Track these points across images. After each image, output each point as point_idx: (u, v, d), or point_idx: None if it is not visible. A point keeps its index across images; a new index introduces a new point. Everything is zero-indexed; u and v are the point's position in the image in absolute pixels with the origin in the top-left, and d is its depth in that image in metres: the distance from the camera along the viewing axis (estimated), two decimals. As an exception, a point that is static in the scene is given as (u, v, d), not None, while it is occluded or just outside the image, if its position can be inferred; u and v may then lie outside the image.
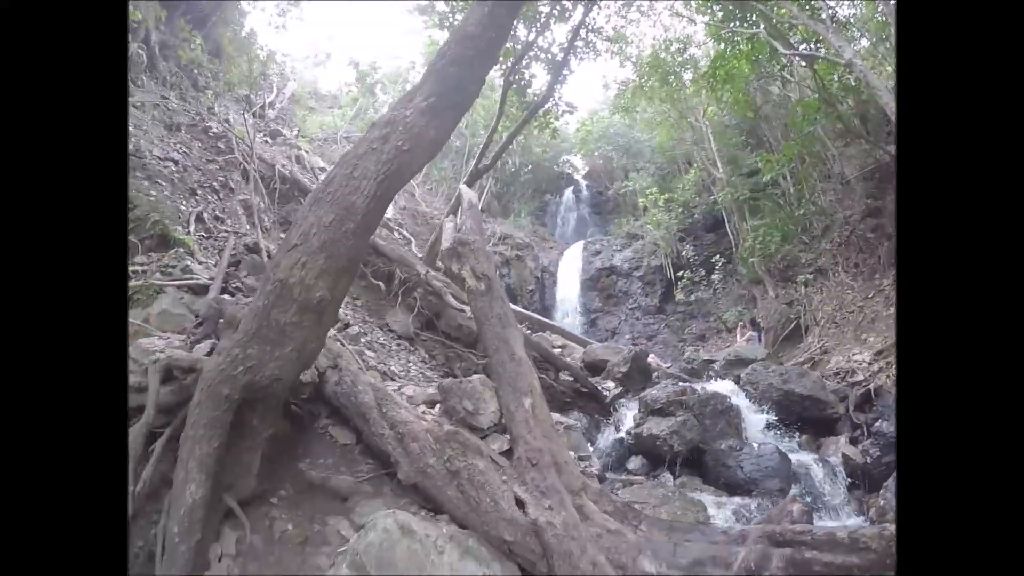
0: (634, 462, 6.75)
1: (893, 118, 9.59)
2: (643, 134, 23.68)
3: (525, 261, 20.88)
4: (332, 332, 5.58)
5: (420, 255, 10.24)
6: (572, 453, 5.06)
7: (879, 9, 11.66)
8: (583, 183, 29.43)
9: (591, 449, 6.89)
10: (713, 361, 10.88)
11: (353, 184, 3.87)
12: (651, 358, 10.80)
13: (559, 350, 10.37)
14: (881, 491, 5.92)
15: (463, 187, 6.77)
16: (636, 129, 24.12)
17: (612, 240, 22.15)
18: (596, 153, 27.53)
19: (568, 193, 28.71)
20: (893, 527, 3.72)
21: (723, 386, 8.27)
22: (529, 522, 3.50)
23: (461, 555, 3.49)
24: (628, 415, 7.63)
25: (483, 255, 5.14)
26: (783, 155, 14.22)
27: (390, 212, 13.65)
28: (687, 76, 17.74)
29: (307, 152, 13.56)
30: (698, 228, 19.71)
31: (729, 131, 18.54)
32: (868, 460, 6.69)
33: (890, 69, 13.41)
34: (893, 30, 11.10)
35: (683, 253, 18.84)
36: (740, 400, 7.76)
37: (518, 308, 13.94)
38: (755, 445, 6.71)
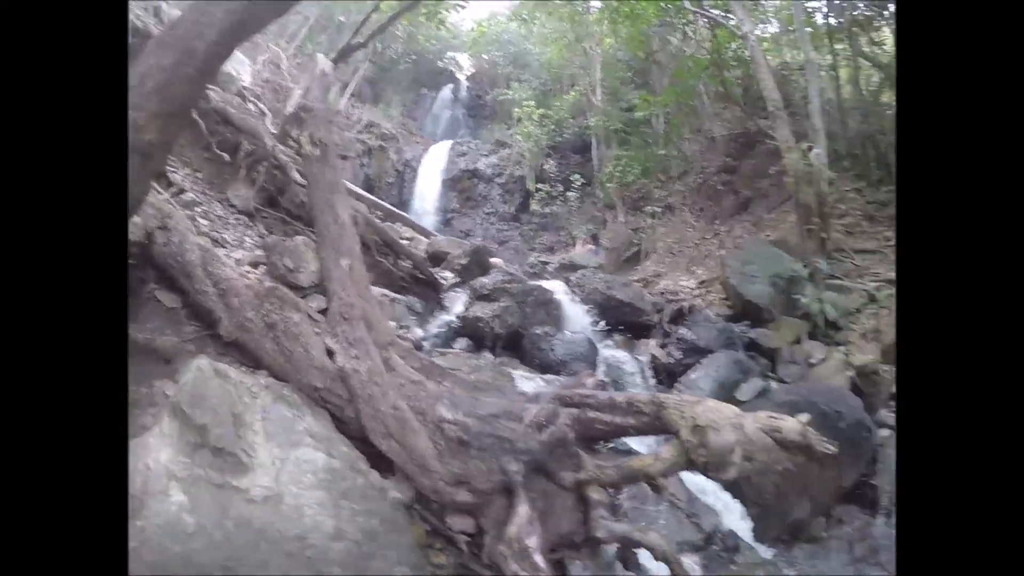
0: (460, 343, 7.32)
1: (770, 95, 10.59)
2: (536, 47, 23.62)
3: (388, 153, 20.55)
4: (165, 195, 5.40)
5: (273, 130, 9.83)
6: (393, 323, 5.39)
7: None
8: (464, 84, 28.86)
9: (420, 332, 7.34)
10: (549, 263, 11.70)
11: (197, 29, 3.75)
12: (498, 262, 11.33)
13: (407, 241, 10.58)
14: (675, 385, 7.17)
15: (319, 56, 6.55)
16: (530, 41, 24.01)
17: (480, 145, 22.26)
18: (485, 56, 27.04)
19: (447, 91, 28.06)
20: (664, 395, 4.49)
21: (552, 284, 9.07)
22: (336, 369, 3.83)
23: (274, 399, 3.72)
24: (459, 301, 8.15)
25: (324, 123, 5.14)
26: (662, 99, 15.10)
27: (247, 80, 12.77)
28: (594, 2, 17.90)
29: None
30: (566, 147, 20.35)
31: (619, 65, 19.00)
32: (672, 360, 7.89)
33: (788, 58, 14.48)
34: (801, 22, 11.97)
35: (546, 168, 19.43)
36: (564, 297, 8.55)
37: (373, 197, 13.89)
38: (568, 333, 7.50)
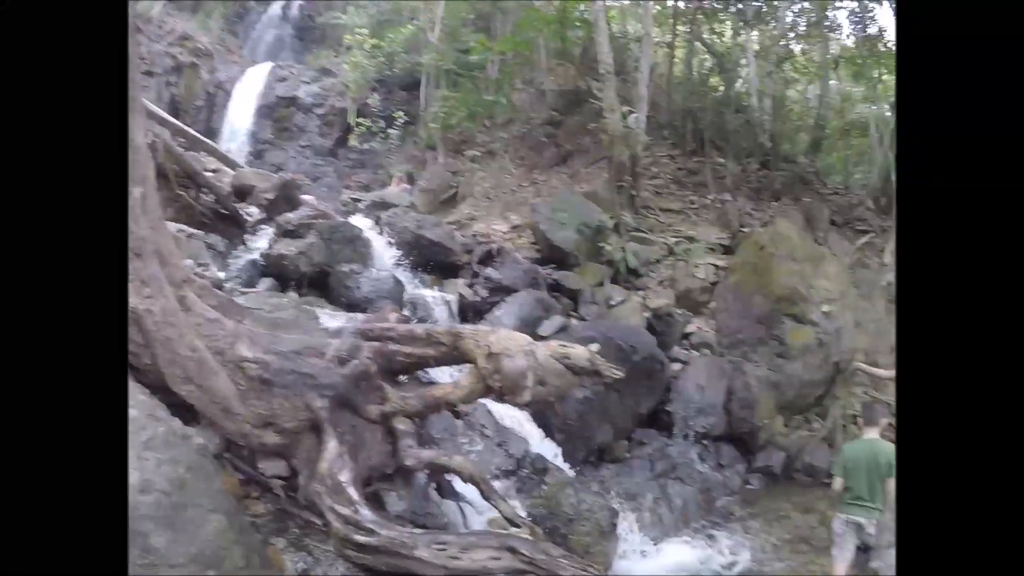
0: (264, 283, 6.95)
1: (604, 59, 10.93)
2: (381, -29, 22.05)
3: (200, 72, 18.35)
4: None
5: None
6: (191, 260, 4.98)
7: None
8: (298, 1, 26.44)
9: (222, 274, 6.88)
10: (362, 201, 11.43)
11: None
12: (310, 198, 10.81)
13: (211, 173, 9.71)
14: (480, 321, 7.43)
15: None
16: (376, -37, 22.34)
17: (303, 70, 20.58)
18: (325, -29, 24.82)
19: (276, 7, 25.37)
20: (461, 326, 4.62)
21: (361, 221, 8.90)
22: (129, 310, 3.49)
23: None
24: (264, 239, 7.72)
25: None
26: (500, 45, 15.07)
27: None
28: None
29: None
30: (394, 82, 19.48)
31: (463, 6, 18.43)
32: (478, 299, 8.25)
33: (631, 29, 14.94)
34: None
35: (370, 102, 18.59)
36: (372, 235, 8.44)
37: (176, 122, 12.57)
38: (375, 271, 7.44)
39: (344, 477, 3.63)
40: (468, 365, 4.22)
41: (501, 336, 4.04)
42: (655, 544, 5.97)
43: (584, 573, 3.62)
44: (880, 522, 5.18)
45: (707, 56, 17.59)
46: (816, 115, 17.70)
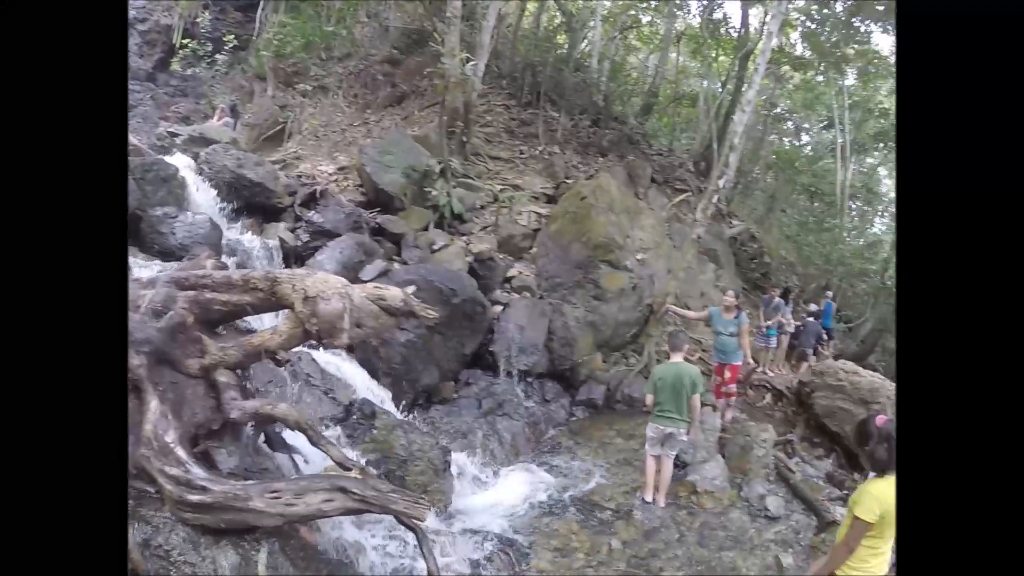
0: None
1: (452, 2, 10.52)
2: None
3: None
4: None
5: None
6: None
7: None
8: None
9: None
10: (178, 135, 10.53)
11: None
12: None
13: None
14: (302, 267, 7.27)
15: None
16: None
17: (125, -18, 18.24)
18: None
19: None
20: (277, 271, 4.45)
21: (177, 159, 8.19)
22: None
23: None
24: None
25: None
26: None
27: None
28: None
29: None
30: (228, 0, 17.79)
31: None
32: (300, 244, 8.08)
33: None
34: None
35: (199, 21, 16.81)
36: (189, 174, 7.82)
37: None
38: (190, 214, 6.95)
39: (170, 437, 3.44)
40: (286, 310, 4.14)
41: (317, 279, 3.99)
42: (495, 475, 6.29)
43: (415, 504, 3.72)
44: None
45: (557, 14, 17.89)
46: (651, 83, 18.68)
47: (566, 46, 16.73)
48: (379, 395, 6.37)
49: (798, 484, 6.59)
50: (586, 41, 17.12)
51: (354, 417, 5.44)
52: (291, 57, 14.61)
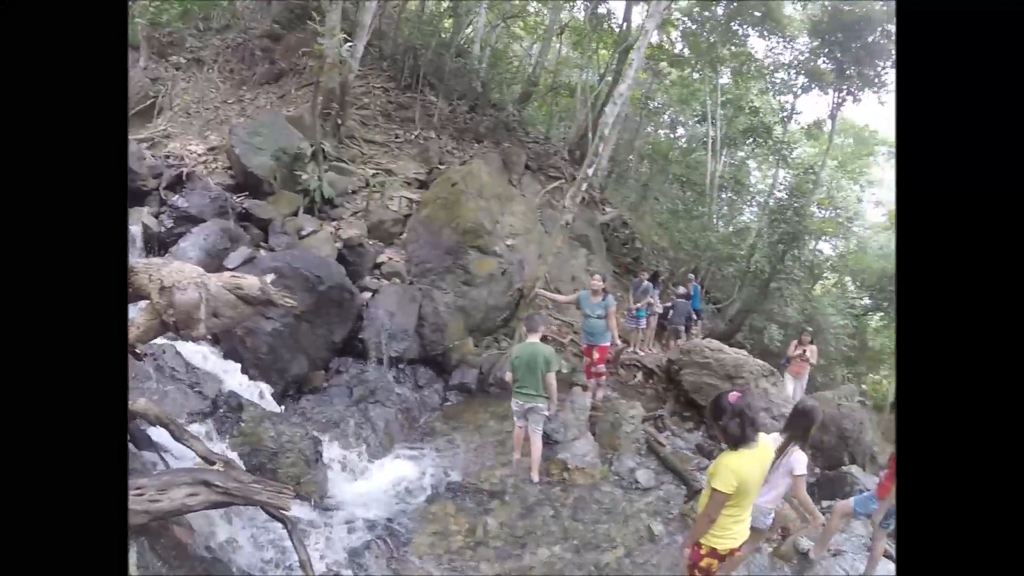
0: None
1: None
2: None
3: None
4: None
5: None
6: None
7: None
8: None
9: None
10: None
11: None
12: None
13: None
14: (165, 254, 7.04)
15: None
16: None
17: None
18: None
19: None
20: (133, 260, 4.19)
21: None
22: None
23: None
24: None
25: None
26: None
27: None
28: None
29: None
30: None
31: None
32: (163, 230, 7.77)
33: None
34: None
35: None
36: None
37: None
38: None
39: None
40: (144, 301, 4.01)
41: (173, 269, 3.90)
42: (368, 465, 6.17)
43: (278, 493, 3.69)
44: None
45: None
46: (531, 72, 18.92)
47: (449, 31, 16.62)
48: (252, 388, 6.15)
49: (668, 456, 6.92)
50: (471, 27, 17.07)
51: (221, 411, 5.24)
52: (167, 26, 13.63)
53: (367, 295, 8.08)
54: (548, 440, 6.63)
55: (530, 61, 20.95)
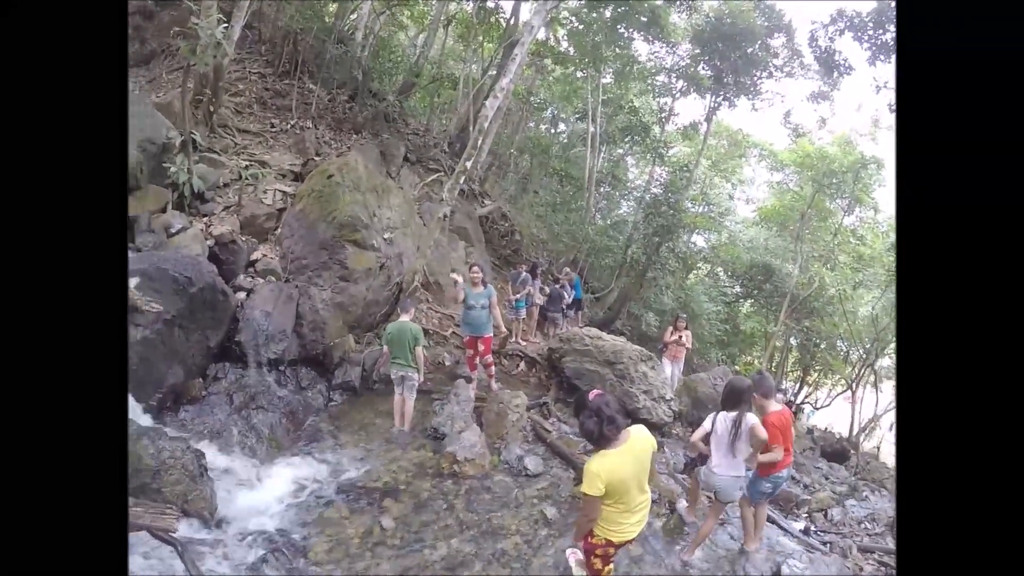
0: None
1: None
2: None
3: None
4: None
5: None
6: None
7: None
8: None
9: None
10: None
11: None
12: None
13: None
14: None
15: None
16: None
17: None
18: None
19: None
20: None
21: None
22: None
23: None
24: None
25: None
26: None
27: None
28: None
29: None
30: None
31: None
32: None
33: None
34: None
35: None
36: None
37: None
38: None
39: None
40: None
41: None
42: (256, 475, 5.97)
43: (161, 515, 3.67)
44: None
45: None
46: (415, 62, 18.67)
47: (333, 16, 16.07)
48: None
49: (555, 442, 7.17)
50: (355, 13, 16.57)
51: None
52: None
53: (241, 295, 7.72)
54: (436, 434, 6.82)
55: (414, 51, 20.65)
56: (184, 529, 4.49)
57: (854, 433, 20.19)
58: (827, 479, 8.69)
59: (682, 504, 6.17)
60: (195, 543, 4.51)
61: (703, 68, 19.65)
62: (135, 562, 4.05)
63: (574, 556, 3.75)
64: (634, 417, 8.22)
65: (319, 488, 5.92)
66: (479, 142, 10.55)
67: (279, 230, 9.30)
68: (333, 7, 16.31)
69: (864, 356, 21.56)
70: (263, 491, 5.76)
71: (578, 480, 6.24)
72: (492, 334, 8.11)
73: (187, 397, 6.67)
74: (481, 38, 19.20)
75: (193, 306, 6.58)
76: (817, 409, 26.71)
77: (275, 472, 6.11)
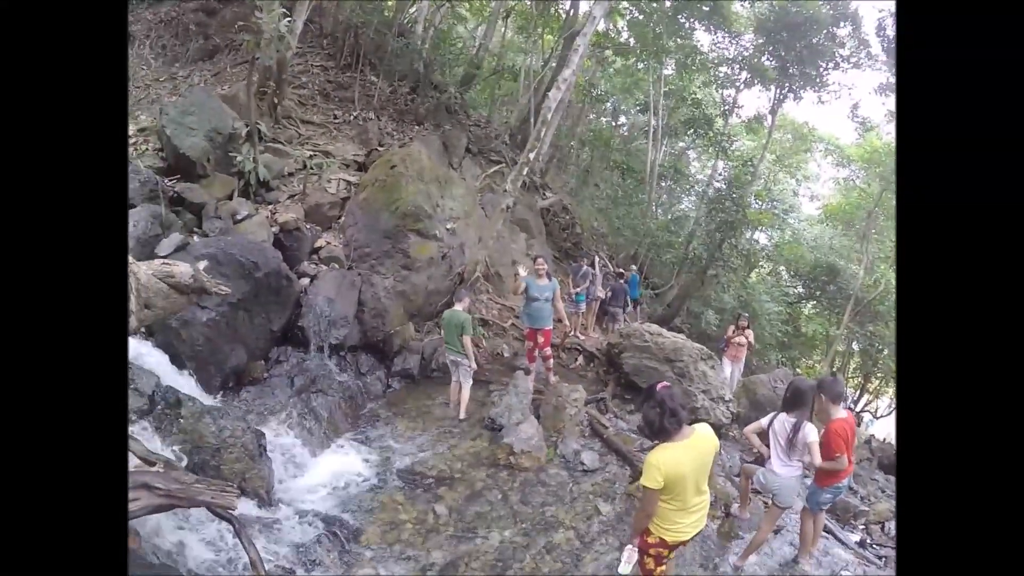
0: None
1: None
2: None
3: None
4: None
5: None
6: None
7: None
8: None
9: None
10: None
11: None
12: None
13: None
14: None
15: None
16: None
17: None
18: None
19: None
20: None
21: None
22: None
23: None
24: None
25: None
26: None
27: None
28: None
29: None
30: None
31: None
32: None
33: None
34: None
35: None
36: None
37: None
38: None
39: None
40: None
41: None
42: (313, 457, 6.05)
43: (222, 492, 3.58)
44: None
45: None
46: (475, 54, 18.71)
47: (393, 9, 16.21)
48: (182, 381, 5.86)
49: (611, 438, 7.02)
50: (414, 7, 16.72)
51: (159, 407, 4.95)
52: (94, -1, 12.80)
53: (305, 281, 7.86)
54: (493, 425, 6.75)
55: (474, 43, 20.70)
56: (241, 507, 4.49)
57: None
58: (883, 491, 8.25)
59: (735, 506, 6.00)
60: (251, 521, 4.58)
61: (767, 59, 18.92)
62: (191, 537, 4.14)
63: (632, 552, 3.65)
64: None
65: (374, 473, 5.95)
66: (541, 133, 10.45)
67: (342, 218, 9.43)
68: (391, 1, 16.49)
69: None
70: (318, 473, 5.83)
71: (634, 477, 6.14)
72: (552, 327, 8.01)
73: (249, 378, 6.84)
74: (541, 30, 19.09)
75: (258, 290, 6.74)
76: (877, 418, 25.62)
77: (332, 455, 6.18)
